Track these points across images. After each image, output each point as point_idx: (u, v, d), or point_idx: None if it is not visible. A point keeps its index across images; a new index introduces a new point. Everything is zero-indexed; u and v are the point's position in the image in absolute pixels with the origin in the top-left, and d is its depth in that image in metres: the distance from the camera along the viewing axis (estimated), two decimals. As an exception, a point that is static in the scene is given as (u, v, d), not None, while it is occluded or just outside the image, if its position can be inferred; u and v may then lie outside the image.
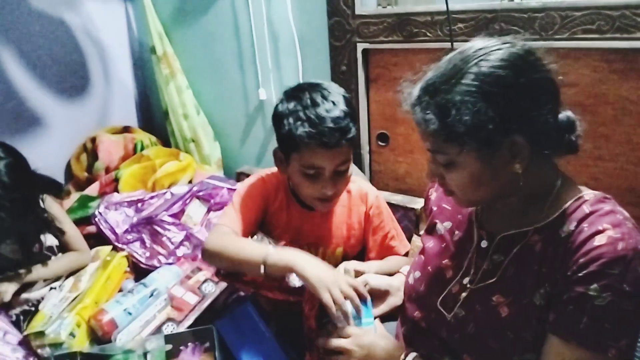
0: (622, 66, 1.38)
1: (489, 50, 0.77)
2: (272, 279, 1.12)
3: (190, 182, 2.11)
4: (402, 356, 0.92)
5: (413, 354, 0.92)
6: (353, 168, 1.28)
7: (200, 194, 1.93)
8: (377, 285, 1.09)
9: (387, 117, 1.87)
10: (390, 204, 1.57)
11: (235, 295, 1.51)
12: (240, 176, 2.07)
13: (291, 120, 1.13)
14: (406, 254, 1.36)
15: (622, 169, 1.45)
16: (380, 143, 1.92)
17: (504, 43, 0.78)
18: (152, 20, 2.24)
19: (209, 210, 1.91)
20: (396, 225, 1.40)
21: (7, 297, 1.47)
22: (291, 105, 1.15)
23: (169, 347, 1.15)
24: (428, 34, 1.63)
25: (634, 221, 0.78)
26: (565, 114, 0.83)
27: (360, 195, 1.36)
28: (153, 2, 2.25)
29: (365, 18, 1.76)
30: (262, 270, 1.07)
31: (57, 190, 1.71)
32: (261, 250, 1.10)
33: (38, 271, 1.56)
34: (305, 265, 1.02)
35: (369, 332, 0.97)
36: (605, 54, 1.39)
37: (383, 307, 1.09)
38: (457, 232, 0.98)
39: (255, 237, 1.30)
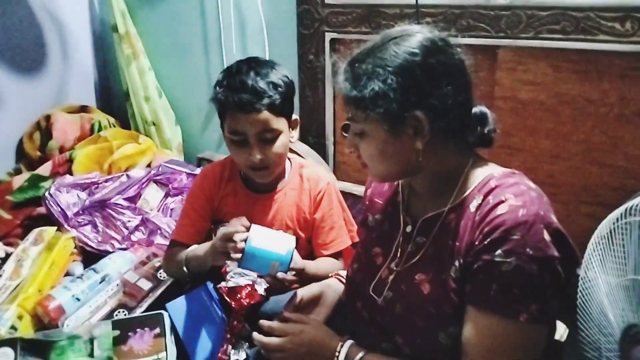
0: (584, 67, 1.41)
1: (407, 33, 0.84)
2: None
3: (149, 166, 2.04)
4: (338, 346, 0.93)
5: (349, 342, 0.94)
6: (313, 156, 1.29)
7: (158, 178, 1.88)
8: (310, 294, 1.11)
9: (353, 108, 1.86)
10: (352, 195, 1.57)
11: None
12: (201, 161, 2.02)
13: (217, 87, 1.22)
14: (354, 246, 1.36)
15: (578, 168, 1.49)
16: (345, 134, 1.90)
17: (424, 29, 0.86)
18: (115, -3, 2.16)
19: (166, 195, 1.86)
20: (348, 215, 1.40)
21: None
22: (221, 74, 1.24)
23: (117, 332, 1.11)
24: (397, 26, 1.62)
25: (543, 193, 0.82)
26: (479, 108, 0.89)
27: (312, 179, 1.36)
28: (116, -22, 2.17)
29: (334, 7, 1.74)
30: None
31: None
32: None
33: None
34: None
35: (305, 328, 0.98)
36: (568, 55, 1.42)
37: (323, 310, 1.11)
38: (386, 221, 1.02)
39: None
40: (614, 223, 1.00)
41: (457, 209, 0.86)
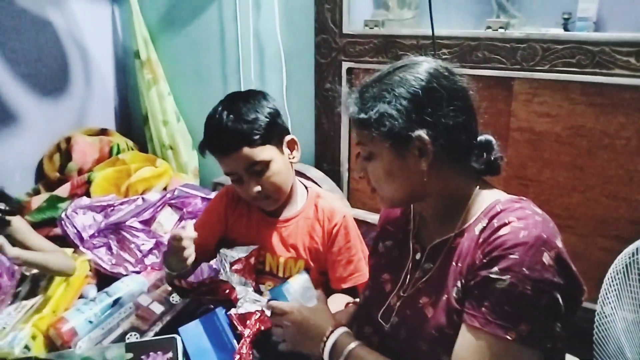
0: (600, 100, 1.41)
1: (414, 62, 0.89)
2: None
3: (165, 189, 2.07)
4: (328, 332, 0.95)
5: (342, 330, 0.95)
6: (328, 183, 1.29)
7: (173, 201, 1.89)
8: None
9: (368, 136, 1.87)
10: (365, 223, 1.57)
11: (205, 307, 1.48)
12: (217, 186, 2.04)
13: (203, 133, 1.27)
14: None
15: (594, 201, 1.48)
16: (359, 162, 1.92)
17: (430, 58, 0.90)
18: (138, 25, 2.22)
19: (180, 219, 1.87)
20: (364, 248, 1.39)
21: None
22: (206, 120, 1.27)
23: (130, 355, 1.11)
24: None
25: (550, 219, 0.82)
26: (484, 136, 0.91)
27: (327, 212, 1.35)
28: (140, 6, 2.23)
29: (352, 37, 1.78)
30: None
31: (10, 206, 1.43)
32: None
33: (15, 249, 1.36)
34: None
35: (301, 308, 1.01)
36: (584, 88, 1.43)
37: None
38: (396, 249, 1.03)
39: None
40: (629, 257, 0.99)
41: (463, 234, 0.87)
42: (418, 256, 0.96)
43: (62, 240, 1.76)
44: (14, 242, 1.42)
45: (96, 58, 2.38)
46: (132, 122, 2.57)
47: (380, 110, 0.84)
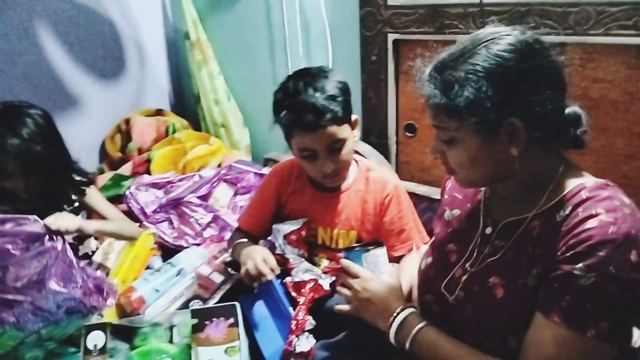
0: (658, 63, 1.36)
1: (498, 36, 0.81)
2: None
3: (219, 165, 2.15)
4: (399, 309, 0.95)
5: (411, 309, 0.95)
6: (376, 156, 1.31)
7: (228, 177, 1.97)
8: (405, 291, 1.12)
9: (416, 108, 1.87)
10: (415, 195, 1.59)
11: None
12: (268, 162, 2.10)
13: (278, 110, 1.26)
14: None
15: (653, 168, 1.43)
16: (407, 134, 1.92)
17: (515, 30, 0.82)
18: (187, 7, 2.28)
19: (235, 194, 1.95)
20: (416, 217, 1.41)
21: (70, 226, 1.32)
22: (279, 95, 1.27)
23: (195, 321, 1.19)
24: (460, 26, 1.62)
25: (638, 210, 0.78)
26: (572, 109, 0.86)
27: (379, 182, 1.38)
28: (188, -13, 2.29)
29: (397, 9, 1.76)
30: None
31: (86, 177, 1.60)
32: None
33: (94, 223, 1.51)
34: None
35: (377, 279, 1.02)
36: (641, 50, 1.37)
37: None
38: (464, 219, 1.01)
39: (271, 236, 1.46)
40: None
41: (542, 216, 0.83)
42: (488, 231, 0.93)
43: (128, 216, 1.87)
44: (89, 211, 1.56)
45: (149, 41, 2.47)
46: (185, 101, 2.66)
47: (470, 98, 0.78)
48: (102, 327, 1.20)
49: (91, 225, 1.46)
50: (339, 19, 1.94)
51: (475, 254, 0.94)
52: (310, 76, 1.24)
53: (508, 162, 0.82)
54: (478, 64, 0.78)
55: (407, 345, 0.92)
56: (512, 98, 0.78)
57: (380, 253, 1.11)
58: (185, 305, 1.50)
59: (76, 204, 1.54)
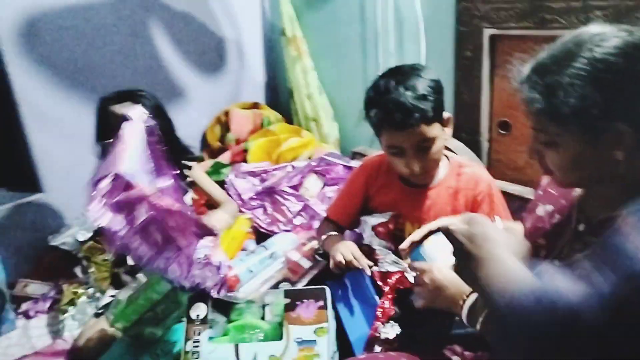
0: None
1: (604, 37, 0.77)
2: None
3: (310, 158, 2.24)
4: (467, 294, 0.96)
5: (474, 295, 0.95)
6: (467, 153, 1.30)
7: (318, 169, 2.05)
8: None
9: (511, 105, 1.83)
10: (507, 194, 1.56)
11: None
12: (355, 155, 2.16)
13: (369, 107, 1.28)
14: None
15: None
16: (501, 131, 1.89)
17: (621, 31, 0.78)
18: (284, 4, 2.39)
19: (324, 185, 2.03)
20: (508, 216, 1.39)
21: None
22: (371, 93, 1.29)
23: (287, 301, 1.28)
24: (562, 21, 1.57)
25: None
26: None
27: (472, 179, 1.37)
28: (286, -15, 2.39)
29: (495, 3, 1.74)
30: None
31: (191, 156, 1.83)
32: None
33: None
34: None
35: (438, 268, 1.03)
36: None
37: None
38: (557, 215, 0.99)
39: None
40: None
41: (637, 213, 0.80)
42: (581, 227, 0.91)
43: (226, 201, 2.02)
44: (193, 186, 1.74)
45: (247, 38, 2.61)
46: (279, 96, 2.78)
47: (575, 105, 0.75)
48: (204, 299, 1.32)
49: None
50: (433, 14, 1.94)
51: (565, 249, 0.93)
52: (402, 74, 1.26)
53: (611, 166, 0.79)
54: (583, 68, 0.75)
55: (478, 326, 0.93)
56: (619, 103, 0.75)
57: (436, 240, 1.12)
58: (275, 287, 1.60)
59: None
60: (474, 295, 0.97)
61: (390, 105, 1.21)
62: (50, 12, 1.98)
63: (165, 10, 2.26)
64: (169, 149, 1.58)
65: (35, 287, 1.83)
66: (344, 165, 2.04)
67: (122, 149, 1.19)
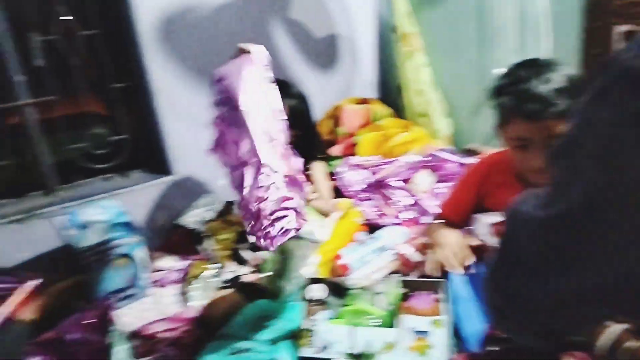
0: None
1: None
2: None
3: (419, 153, 2.26)
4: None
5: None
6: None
7: (429, 164, 2.06)
8: None
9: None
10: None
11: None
12: (469, 152, 2.14)
13: (500, 94, 1.24)
14: None
15: None
16: None
17: None
18: (400, 1, 2.41)
19: (436, 181, 2.04)
20: None
21: None
22: (504, 80, 1.24)
23: (403, 290, 1.32)
24: None
25: None
26: None
27: None
28: (402, -17, 2.42)
29: (631, -2, 1.65)
30: None
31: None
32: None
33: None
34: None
35: None
36: None
37: None
38: None
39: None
40: None
41: None
42: None
43: (337, 191, 2.10)
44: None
45: (361, 35, 2.67)
46: (388, 91, 2.82)
47: None
48: (322, 282, 1.40)
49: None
50: (560, 10, 1.87)
51: None
52: (539, 66, 1.22)
53: None
54: None
55: None
56: None
57: None
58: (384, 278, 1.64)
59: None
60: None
61: (526, 94, 1.18)
62: (184, 13, 2.17)
63: (285, 9, 2.38)
64: (305, 139, 1.70)
65: (166, 260, 2.03)
66: (458, 162, 2.03)
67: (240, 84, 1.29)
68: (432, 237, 1.48)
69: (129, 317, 1.74)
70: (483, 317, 1.26)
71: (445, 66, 2.44)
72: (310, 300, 1.40)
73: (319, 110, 2.57)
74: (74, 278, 1.62)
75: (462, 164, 2.01)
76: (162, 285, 1.91)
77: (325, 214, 1.90)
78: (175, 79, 2.22)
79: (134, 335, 1.62)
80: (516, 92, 1.21)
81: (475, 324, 1.27)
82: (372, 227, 1.94)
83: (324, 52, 2.57)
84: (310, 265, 1.67)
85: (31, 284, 1.42)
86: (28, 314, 1.41)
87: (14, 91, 2.00)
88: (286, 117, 1.54)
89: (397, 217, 1.96)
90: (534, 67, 1.22)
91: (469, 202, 1.52)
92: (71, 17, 2.05)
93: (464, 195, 1.54)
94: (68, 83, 2.21)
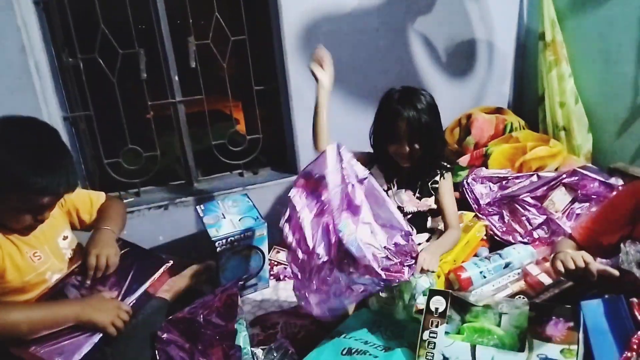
0: None
1: None
2: None
3: (556, 169, 2.10)
4: None
5: None
6: None
7: (568, 181, 1.91)
8: None
9: None
10: None
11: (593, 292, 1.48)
12: (613, 172, 1.94)
13: None
14: None
15: None
16: None
17: None
18: (547, 7, 2.26)
19: (574, 200, 1.88)
20: None
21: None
22: None
23: (532, 314, 1.23)
24: None
25: None
26: None
27: None
28: (551, -13, 2.27)
29: None
30: None
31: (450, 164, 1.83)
32: None
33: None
34: None
35: None
36: None
37: None
38: None
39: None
40: None
41: None
42: None
43: (461, 203, 2.02)
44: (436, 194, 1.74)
45: (500, 40, 2.55)
46: (524, 102, 2.66)
47: None
48: (444, 294, 1.36)
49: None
50: None
51: None
52: None
53: None
54: None
55: None
56: None
57: None
58: (510, 298, 1.55)
59: (436, 184, 1.74)
60: None
61: None
62: (326, 18, 2.25)
63: (424, 12, 2.36)
64: (434, 149, 1.66)
65: (285, 255, 2.11)
66: (601, 182, 1.86)
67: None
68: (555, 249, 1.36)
69: (250, 305, 1.84)
70: (618, 348, 1.15)
71: (592, 77, 2.24)
72: (430, 311, 1.37)
73: (447, 118, 2.51)
74: (206, 263, 1.74)
75: (607, 184, 1.83)
76: (281, 279, 1.99)
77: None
78: (312, 83, 2.30)
79: (254, 323, 1.71)
80: None
81: (609, 354, 1.16)
82: (496, 243, 1.84)
83: (460, 58, 2.50)
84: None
85: (169, 265, 1.55)
86: (165, 292, 1.55)
87: (171, 90, 2.22)
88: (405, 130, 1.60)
89: (526, 235, 1.84)
90: None
91: (611, 231, 1.36)
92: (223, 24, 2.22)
93: (607, 223, 1.38)
94: (215, 84, 2.41)
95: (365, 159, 1.69)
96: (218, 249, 1.74)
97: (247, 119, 2.89)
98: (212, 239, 1.73)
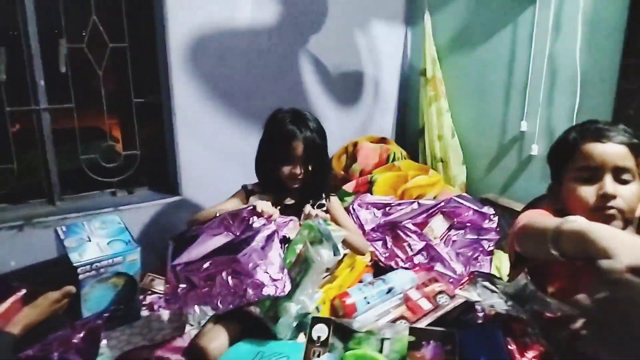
0: None
1: None
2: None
3: (434, 197, 2.19)
4: None
5: None
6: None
7: (445, 209, 1.99)
8: None
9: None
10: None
11: (470, 315, 1.53)
12: (485, 202, 2.07)
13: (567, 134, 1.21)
14: None
15: None
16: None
17: None
18: (429, 45, 2.41)
19: (450, 227, 1.96)
20: None
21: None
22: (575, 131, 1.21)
23: (412, 338, 1.22)
24: None
25: None
26: None
27: None
28: (433, 28, 2.42)
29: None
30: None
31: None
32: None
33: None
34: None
35: None
36: None
37: None
38: None
39: None
40: None
41: None
42: None
43: (346, 229, 2.02)
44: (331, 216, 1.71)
45: (386, 73, 2.67)
46: (407, 133, 2.79)
47: None
48: (327, 321, 1.31)
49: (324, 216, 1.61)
50: (593, 69, 1.84)
51: None
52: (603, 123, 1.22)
53: None
54: None
55: None
56: None
57: None
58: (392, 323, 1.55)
59: (323, 205, 1.71)
60: None
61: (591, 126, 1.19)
62: (216, 35, 2.17)
63: (314, 43, 2.39)
64: (319, 175, 1.63)
65: (160, 283, 1.95)
66: (475, 210, 1.96)
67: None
68: None
69: (117, 340, 1.65)
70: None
71: (467, 113, 2.41)
72: (312, 340, 1.31)
73: (334, 146, 2.53)
74: (65, 292, 1.53)
75: (480, 213, 1.94)
76: (154, 310, 1.82)
77: (361, 252, 1.78)
78: (197, 100, 2.20)
79: (119, 360, 1.53)
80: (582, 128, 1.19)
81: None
82: (380, 269, 1.86)
83: (348, 88, 2.56)
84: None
85: (20, 294, 1.34)
86: (13, 325, 1.33)
87: (35, 95, 1.98)
88: (301, 151, 1.56)
89: (407, 260, 1.87)
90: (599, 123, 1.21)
91: None
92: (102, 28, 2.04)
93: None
94: (87, 93, 2.19)
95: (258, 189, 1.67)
96: (80, 276, 1.53)
97: (124, 133, 2.68)
98: (74, 264, 1.52)
